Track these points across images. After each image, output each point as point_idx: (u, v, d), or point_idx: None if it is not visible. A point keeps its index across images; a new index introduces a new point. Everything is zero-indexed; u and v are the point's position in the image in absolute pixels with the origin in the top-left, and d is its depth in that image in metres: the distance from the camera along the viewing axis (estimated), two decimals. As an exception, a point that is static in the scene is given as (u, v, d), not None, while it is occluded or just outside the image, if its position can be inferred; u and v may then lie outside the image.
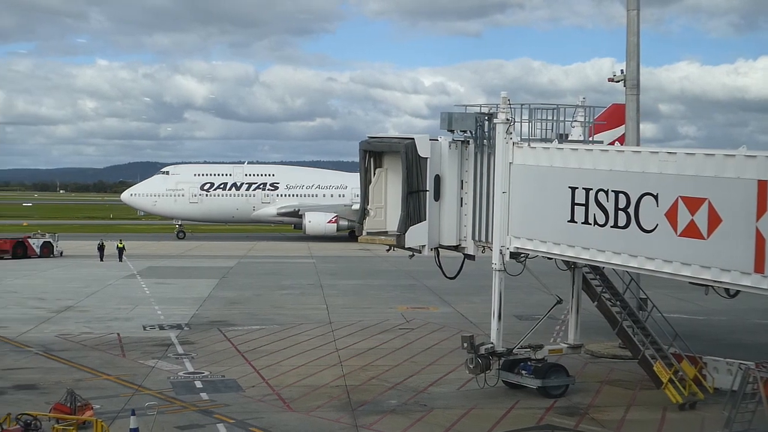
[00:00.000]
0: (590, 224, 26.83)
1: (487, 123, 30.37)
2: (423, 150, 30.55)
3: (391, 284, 62.81)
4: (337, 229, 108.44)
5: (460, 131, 30.83)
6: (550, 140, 30.07)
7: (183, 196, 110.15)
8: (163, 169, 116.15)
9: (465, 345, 30.21)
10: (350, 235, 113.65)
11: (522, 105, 30.62)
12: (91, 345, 38.56)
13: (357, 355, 36.77)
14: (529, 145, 29.34)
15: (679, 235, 24.41)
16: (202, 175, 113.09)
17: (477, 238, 30.95)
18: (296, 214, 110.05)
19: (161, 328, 43.33)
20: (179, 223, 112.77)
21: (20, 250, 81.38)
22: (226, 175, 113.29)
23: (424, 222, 30.74)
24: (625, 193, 25.81)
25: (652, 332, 30.47)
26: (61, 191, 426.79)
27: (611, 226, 26.25)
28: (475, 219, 30.93)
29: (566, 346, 32.78)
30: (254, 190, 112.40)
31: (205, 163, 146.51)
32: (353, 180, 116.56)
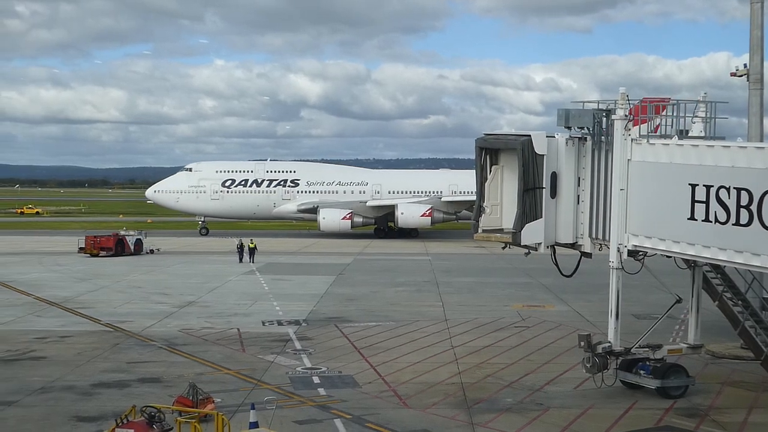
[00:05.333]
0: (711, 222, 26.17)
1: (605, 119, 30.00)
2: (540, 147, 30.29)
3: (506, 282, 62.59)
4: (352, 226, 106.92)
5: (578, 128, 30.46)
6: (670, 136, 29.51)
7: (205, 192, 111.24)
8: (186, 166, 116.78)
9: (582, 344, 29.89)
10: (376, 232, 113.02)
11: (641, 101, 30.11)
12: (212, 340, 39.50)
13: (472, 352, 36.76)
14: (648, 141, 28.82)
15: (805, 234, 23.68)
16: (224, 171, 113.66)
17: (594, 236, 30.60)
18: (315, 210, 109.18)
19: (280, 323, 44.07)
20: (202, 219, 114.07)
21: (119, 248, 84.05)
22: (248, 171, 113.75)
23: (540, 219, 30.47)
24: (748, 191, 25.10)
25: (776, 333, 29.68)
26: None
27: (733, 224, 25.54)
28: (592, 216, 30.58)
29: (686, 346, 32.04)
30: (275, 186, 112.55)
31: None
32: (374, 176, 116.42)
